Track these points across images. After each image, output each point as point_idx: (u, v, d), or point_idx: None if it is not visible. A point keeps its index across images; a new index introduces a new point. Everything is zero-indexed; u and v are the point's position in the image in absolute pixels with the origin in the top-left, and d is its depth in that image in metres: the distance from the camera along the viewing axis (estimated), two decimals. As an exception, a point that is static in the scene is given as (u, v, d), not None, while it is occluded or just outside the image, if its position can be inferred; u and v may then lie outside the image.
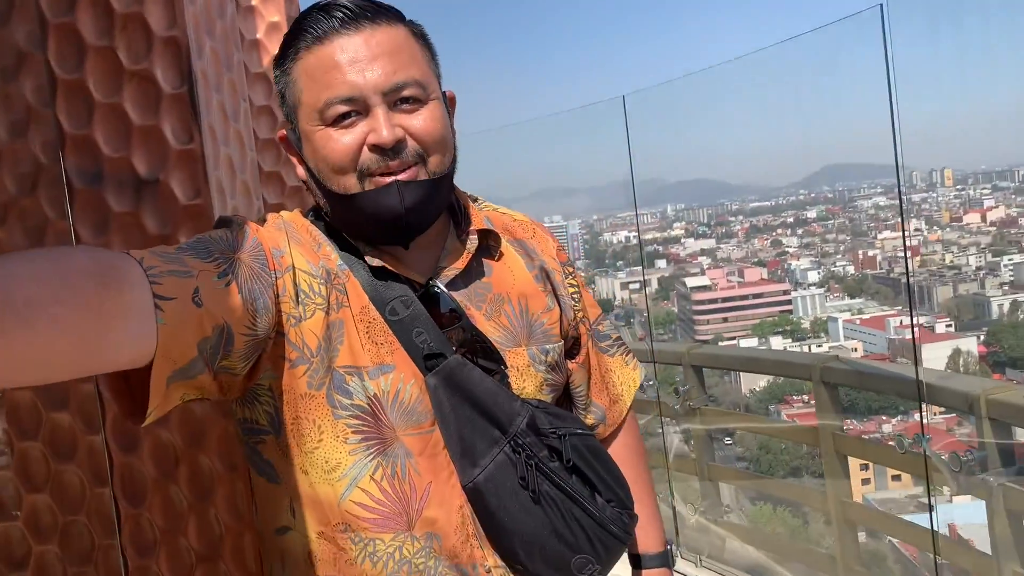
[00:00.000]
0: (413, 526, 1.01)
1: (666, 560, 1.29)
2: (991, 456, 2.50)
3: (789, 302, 48.99)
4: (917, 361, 2.83)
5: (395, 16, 1.03)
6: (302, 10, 1.06)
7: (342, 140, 0.99)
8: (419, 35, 1.06)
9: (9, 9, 1.31)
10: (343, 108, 0.99)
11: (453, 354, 1.04)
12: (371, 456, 1.01)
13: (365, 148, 0.99)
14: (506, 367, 1.08)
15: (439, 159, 1.03)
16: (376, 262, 1.05)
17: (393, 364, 1.02)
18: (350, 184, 1.01)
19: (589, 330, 1.26)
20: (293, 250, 1.02)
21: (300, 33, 1.02)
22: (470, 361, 1.05)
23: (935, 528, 2.66)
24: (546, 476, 1.03)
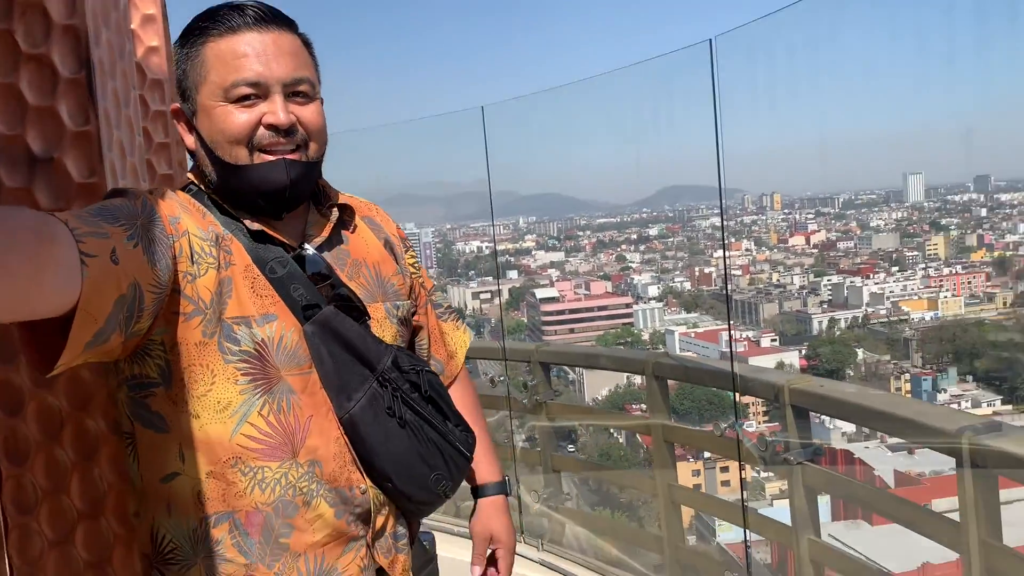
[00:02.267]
0: (297, 454, 1.18)
1: (504, 488, 1.52)
2: (792, 439, 2.89)
3: (631, 315, 51.30)
4: (732, 356, 3.22)
5: (294, 26, 1.24)
6: (211, 6, 1.24)
7: (241, 116, 1.17)
8: (308, 45, 1.26)
9: (-96, -13, 1.35)
10: (247, 90, 1.17)
11: (327, 306, 1.21)
12: (258, 394, 1.16)
13: (261, 127, 1.17)
14: (369, 318, 1.28)
15: (317, 147, 1.24)
16: (256, 226, 1.22)
17: (276, 314, 1.18)
18: (241, 155, 1.18)
19: (428, 297, 1.48)
20: (185, 217, 1.17)
21: (213, 22, 1.19)
22: (341, 311, 1.23)
23: (745, 502, 3.03)
24: (408, 406, 1.23)
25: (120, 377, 1.20)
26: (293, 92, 1.19)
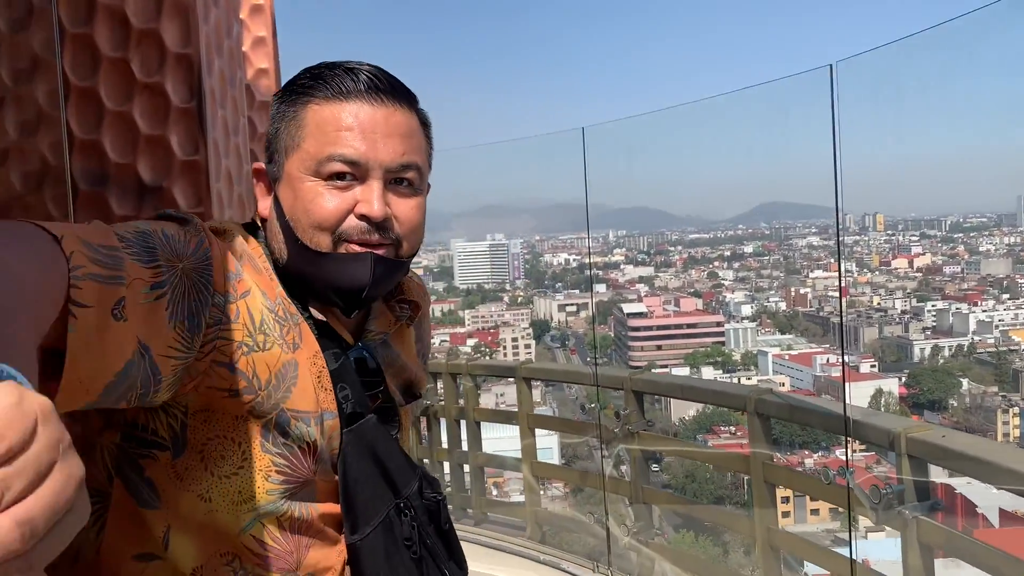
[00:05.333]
0: (299, 567, 1.04)
1: None
2: (908, 491, 2.68)
3: (722, 334, 50.26)
4: (845, 398, 3.03)
5: (413, 101, 1.07)
6: (323, 62, 1.07)
7: (331, 201, 1.00)
8: (426, 125, 1.09)
9: (27, 16, 1.37)
10: (342, 168, 1.00)
11: (370, 413, 1.08)
12: (284, 498, 1.01)
13: (351, 215, 1.01)
14: (402, 428, 1.18)
15: (411, 246, 1.07)
16: (320, 316, 1.08)
17: (335, 412, 1.04)
18: (323, 242, 1.01)
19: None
20: (252, 278, 1.01)
21: (320, 83, 1.02)
22: (380, 423, 1.10)
23: (855, 557, 2.83)
24: (421, 539, 1.10)
25: (114, 417, 0.98)
26: (397, 179, 1.03)
